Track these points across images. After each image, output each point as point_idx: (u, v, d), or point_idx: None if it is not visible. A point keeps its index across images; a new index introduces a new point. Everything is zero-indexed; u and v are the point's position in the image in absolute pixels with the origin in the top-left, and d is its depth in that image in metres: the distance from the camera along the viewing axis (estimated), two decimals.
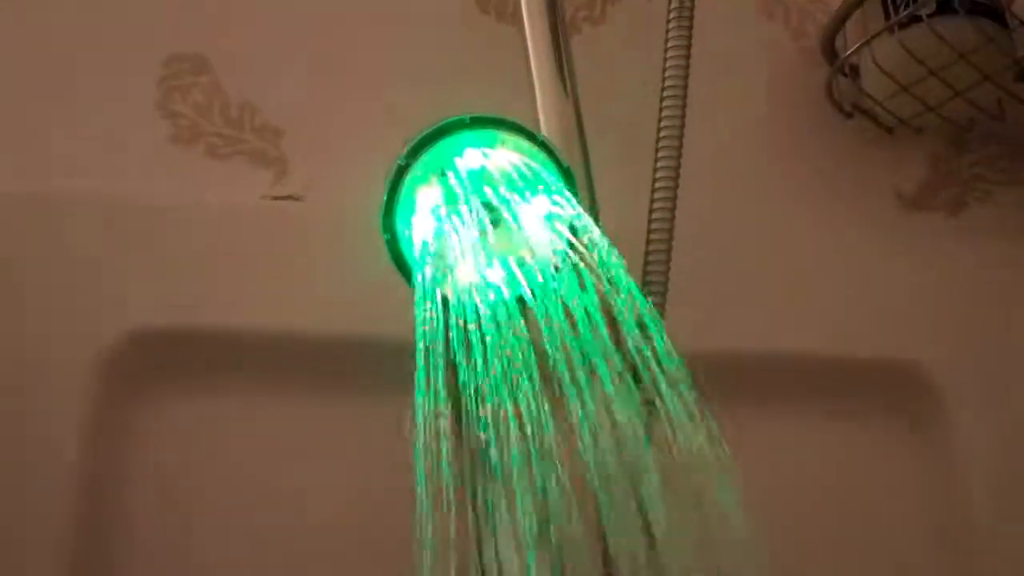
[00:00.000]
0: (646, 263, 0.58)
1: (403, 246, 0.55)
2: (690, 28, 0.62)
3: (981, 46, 0.76)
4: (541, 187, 0.54)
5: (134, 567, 0.67)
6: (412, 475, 0.50)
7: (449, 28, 0.86)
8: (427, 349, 0.52)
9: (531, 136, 0.55)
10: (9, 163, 0.78)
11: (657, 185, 0.60)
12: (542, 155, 0.55)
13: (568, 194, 0.54)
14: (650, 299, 0.54)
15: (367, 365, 0.67)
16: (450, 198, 0.54)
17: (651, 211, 0.60)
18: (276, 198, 0.79)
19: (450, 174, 0.54)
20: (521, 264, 0.53)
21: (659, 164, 0.60)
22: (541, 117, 0.61)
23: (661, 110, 0.61)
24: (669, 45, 0.62)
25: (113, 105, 0.81)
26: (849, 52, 0.81)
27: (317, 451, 0.71)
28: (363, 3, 0.86)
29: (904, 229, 0.83)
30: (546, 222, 0.54)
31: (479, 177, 0.54)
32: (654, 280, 0.58)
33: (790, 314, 0.75)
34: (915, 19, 0.77)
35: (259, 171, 0.80)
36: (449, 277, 0.53)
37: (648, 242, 0.59)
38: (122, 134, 0.80)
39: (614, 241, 0.53)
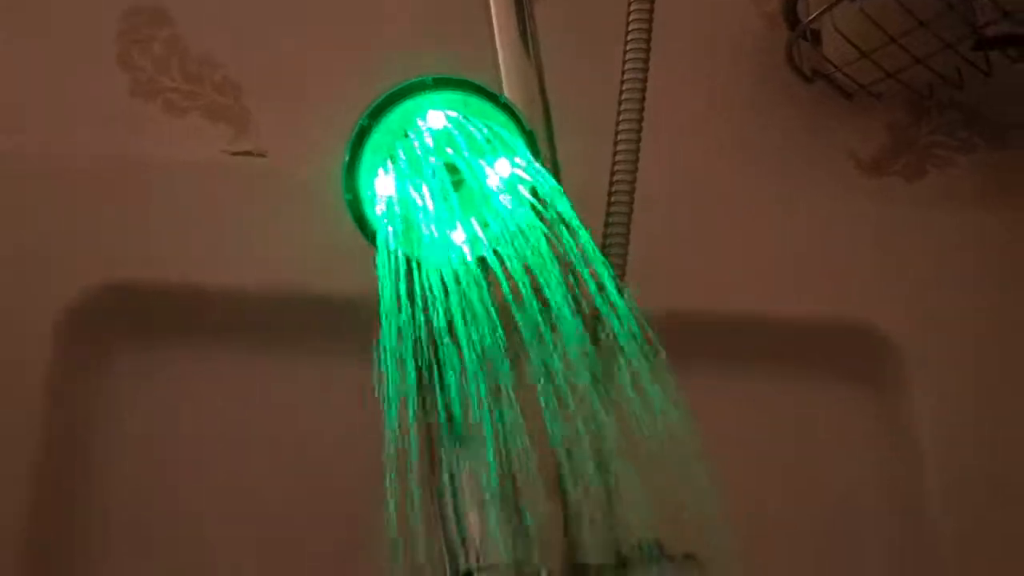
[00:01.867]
0: (607, 224, 0.59)
1: (366, 207, 0.55)
2: None
3: (942, 14, 0.77)
4: (503, 148, 0.54)
5: (98, 522, 0.68)
6: (376, 432, 0.50)
7: None
8: (390, 308, 0.52)
9: (494, 97, 0.56)
10: None
11: (618, 148, 0.60)
12: (504, 117, 0.56)
13: (530, 156, 0.55)
14: (610, 259, 0.55)
15: (330, 322, 0.67)
16: (412, 159, 0.54)
17: (612, 173, 0.60)
18: (236, 153, 0.78)
19: (412, 135, 0.54)
20: (483, 225, 0.54)
21: (620, 127, 0.60)
22: (504, 79, 0.61)
23: (623, 72, 0.61)
24: (632, 8, 0.62)
25: (72, 58, 0.80)
26: (811, 17, 0.81)
27: (283, 406, 0.71)
28: None
29: (862, 194, 0.84)
30: (508, 184, 0.54)
31: (441, 138, 0.54)
32: (615, 242, 0.58)
33: (748, 275, 0.76)
34: None
35: (220, 127, 0.79)
36: (412, 237, 0.53)
37: (609, 203, 0.59)
38: (81, 88, 0.79)
39: (575, 202, 0.54)
